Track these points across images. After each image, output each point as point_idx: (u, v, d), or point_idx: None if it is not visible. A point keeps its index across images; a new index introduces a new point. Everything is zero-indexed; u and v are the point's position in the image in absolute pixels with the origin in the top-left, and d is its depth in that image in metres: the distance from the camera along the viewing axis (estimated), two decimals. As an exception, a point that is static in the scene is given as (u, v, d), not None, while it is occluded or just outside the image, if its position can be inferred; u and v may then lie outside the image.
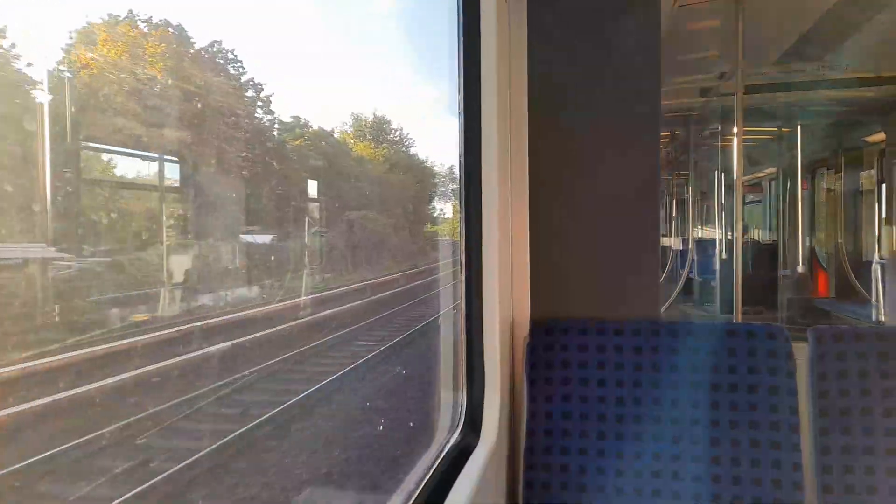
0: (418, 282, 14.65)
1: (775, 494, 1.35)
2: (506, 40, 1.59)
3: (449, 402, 1.68)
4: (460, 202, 1.62)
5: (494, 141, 1.52)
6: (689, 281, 6.52)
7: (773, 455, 1.38)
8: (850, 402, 1.37)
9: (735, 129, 3.51)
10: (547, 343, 1.56)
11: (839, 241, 6.94)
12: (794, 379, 1.41)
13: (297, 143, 15.51)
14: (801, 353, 1.44)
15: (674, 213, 10.78)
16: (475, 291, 1.57)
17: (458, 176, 1.63)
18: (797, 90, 4.74)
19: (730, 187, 9.91)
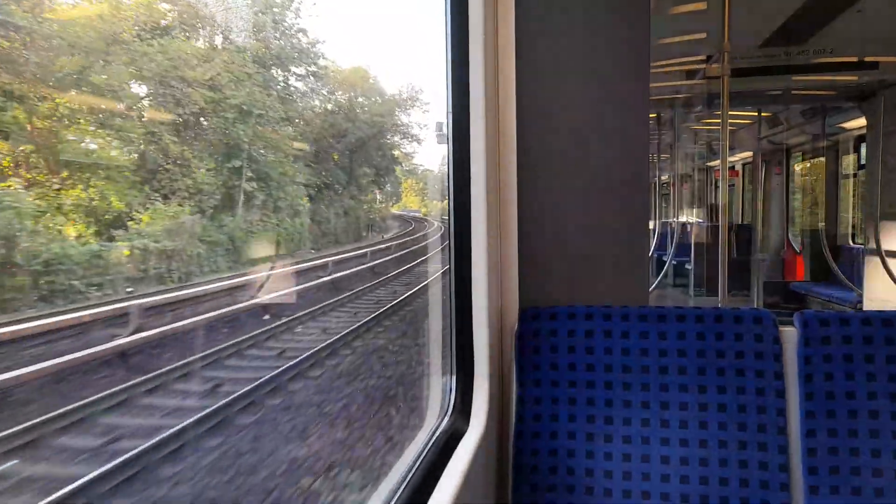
0: None
1: (762, 476, 1.37)
2: (493, 27, 1.56)
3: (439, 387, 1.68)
4: (448, 192, 1.61)
5: (482, 130, 1.51)
6: (664, 263, 6.60)
7: (760, 438, 1.39)
8: (834, 385, 1.39)
9: (721, 114, 3.49)
10: (535, 329, 1.55)
11: (819, 225, 7.05)
12: (780, 363, 1.43)
13: None
14: (788, 337, 1.45)
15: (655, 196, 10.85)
16: (464, 278, 1.56)
17: (447, 167, 1.62)
18: (781, 74, 4.74)
19: (702, 170, 10.03)
